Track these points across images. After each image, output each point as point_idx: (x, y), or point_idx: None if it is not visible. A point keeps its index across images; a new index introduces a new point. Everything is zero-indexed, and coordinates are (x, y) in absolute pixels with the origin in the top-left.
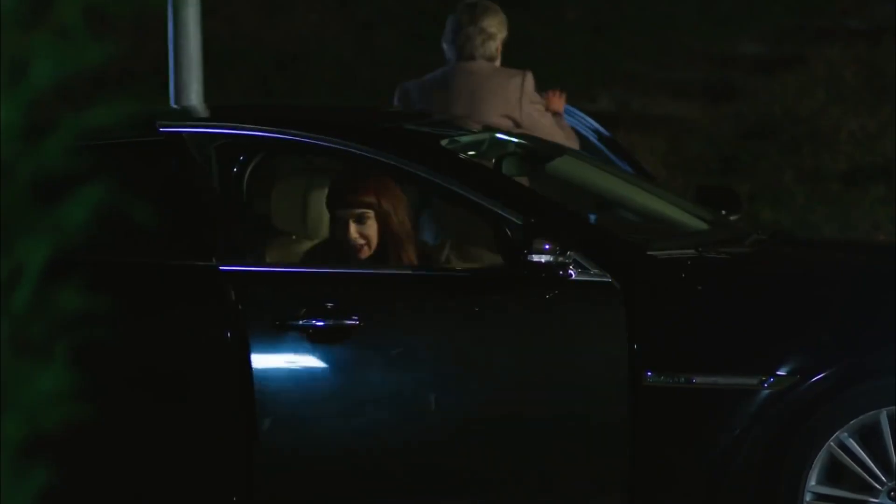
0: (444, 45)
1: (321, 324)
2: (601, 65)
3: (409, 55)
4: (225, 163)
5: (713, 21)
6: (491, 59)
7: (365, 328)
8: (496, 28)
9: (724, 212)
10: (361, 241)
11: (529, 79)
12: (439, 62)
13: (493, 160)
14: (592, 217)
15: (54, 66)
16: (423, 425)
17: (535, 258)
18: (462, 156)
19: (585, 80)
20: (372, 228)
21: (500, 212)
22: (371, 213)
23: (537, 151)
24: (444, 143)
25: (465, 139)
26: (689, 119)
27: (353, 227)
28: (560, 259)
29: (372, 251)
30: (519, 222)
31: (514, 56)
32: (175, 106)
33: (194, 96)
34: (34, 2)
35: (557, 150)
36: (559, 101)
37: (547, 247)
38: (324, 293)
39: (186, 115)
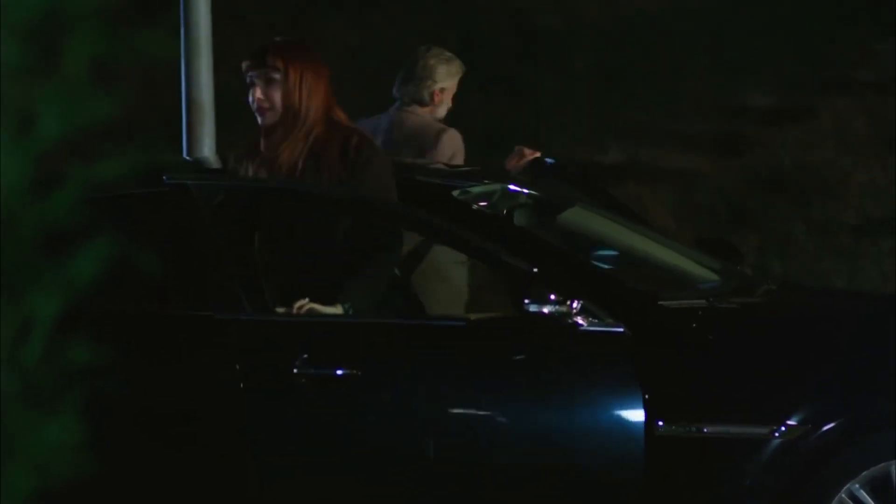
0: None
1: (320, 373)
2: (610, 116)
3: None
4: (231, 214)
5: (722, 73)
6: (422, 104)
7: (364, 377)
8: (440, 76)
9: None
10: (266, 105)
11: (450, 135)
12: (448, 113)
13: (505, 211)
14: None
15: (62, 120)
16: (424, 476)
17: (534, 308)
18: (474, 206)
19: (594, 131)
20: (277, 94)
21: (509, 262)
22: (277, 77)
23: (549, 202)
24: (455, 193)
25: (476, 190)
26: (698, 170)
27: (259, 88)
28: (562, 309)
29: (277, 117)
30: (526, 272)
31: (523, 106)
32: (188, 157)
33: (207, 149)
34: (42, 54)
35: (569, 200)
36: (516, 162)
37: (551, 297)
38: (322, 342)
39: (197, 167)
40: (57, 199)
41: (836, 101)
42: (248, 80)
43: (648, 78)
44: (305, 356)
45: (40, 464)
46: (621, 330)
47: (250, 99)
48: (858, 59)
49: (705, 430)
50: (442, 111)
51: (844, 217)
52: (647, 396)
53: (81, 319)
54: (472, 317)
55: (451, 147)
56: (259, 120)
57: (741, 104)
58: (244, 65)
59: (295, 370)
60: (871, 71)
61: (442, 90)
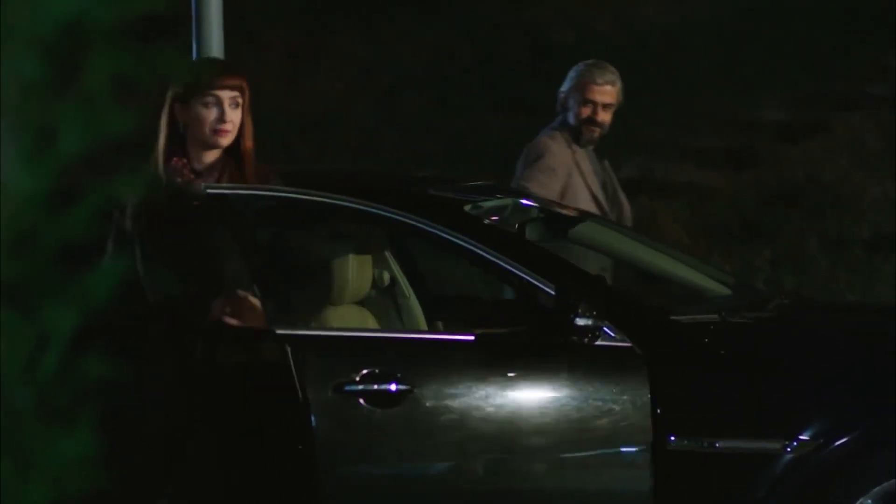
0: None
1: (374, 388)
2: (624, 132)
3: (432, 121)
4: (266, 224)
5: (736, 88)
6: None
7: (416, 393)
8: (565, 81)
9: None
10: (230, 127)
11: (531, 145)
12: (462, 128)
13: (517, 225)
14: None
15: (82, 135)
16: (476, 490)
17: (581, 322)
18: (486, 221)
19: (608, 146)
20: (238, 115)
21: (527, 277)
22: (241, 101)
23: (561, 217)
24: (467, 208)
25: (488, 204)
26: (712, 185)
27: (229, 111)
28: (598, 322)
29: (230, 142)
30: (546, 288)
31: (536, 122)
32: None
33: None
34: (62, 70)
35: (581, 215)
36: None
37: (593, 311)
38: (377, 357)
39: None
40: (75, 214)
41: (849, 115)
42: (205, 101)
43: (662, 93)
44: (363, 372)
45: (56, 478)
46: (632, 346)
47: (199, 119)
48: (872, 73)
49: (717, 444)
50: (569, 118)
51: (858, 231)
52: (659, 411)
53: (126, 331)
54: (488, 332)
55: (525, 158)
56: (213, 142)
57: (754, 119)
58: (204, 84)
59: (352, 386)
60: (885, 85)
61: (565, 95)
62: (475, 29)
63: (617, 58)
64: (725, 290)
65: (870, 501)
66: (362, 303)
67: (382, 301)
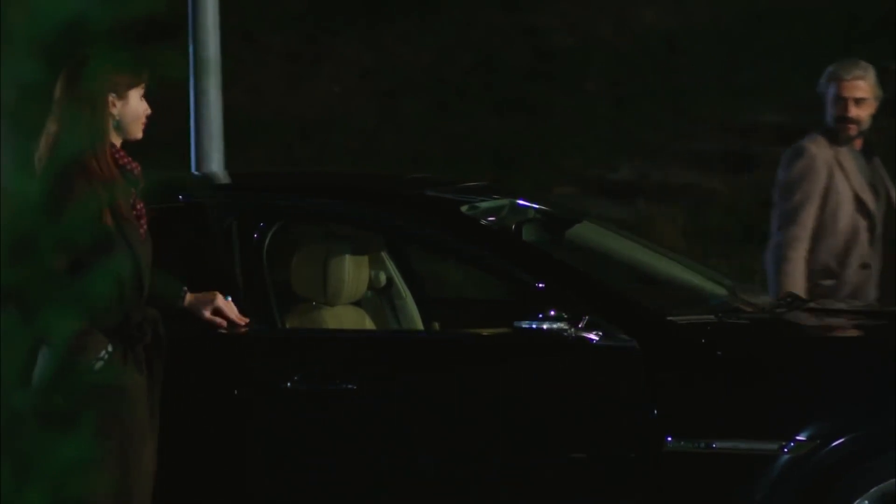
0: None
1: (319, 387)
2: (622, 135)
3: (432, 124)
4: (246, 230)
5: (733, 92)
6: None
7: (362, 391)
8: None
9: None
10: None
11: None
12: (462, 131)
13: (514, 226)
14: None
15: (80, 139)
16: (421, 493)
17: (525, 325)
18: (482, 222)
19: (606, 150)
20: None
21: (517, 277)
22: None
23: (558, 217)
24: (464, 209)
25: (485, 205)
26: (709, 189)
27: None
28: (561, 325)
29: None
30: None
31: (537, 125)
32: (197, 173)
33: (215, 165)
34: (61, 73)
35: (578, 216)
36: None
37: (552, 312)
38: (322, 356)
39: (209, 183)
40: (73, 217)
41: None
42: (141, 94)
43: (660, 97)
44: (303, 371)
45: (55, 481)
46: (631, 346)
47: (137, 112)
48: None
49: (714, 445)
50: (827, 118)
51: None
52: (655, 412)
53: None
54: (483, 332)
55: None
56: (139, 134)
57: (752, 122)
58: (142, 81)
59: (294, 385)
60: (885, 89)
61: (823, 97)
62: (475, 32)
63: (616, 61)
64: (722, 292)
65: (867, 502)
66: (359, 303)
67: (379, 302)
